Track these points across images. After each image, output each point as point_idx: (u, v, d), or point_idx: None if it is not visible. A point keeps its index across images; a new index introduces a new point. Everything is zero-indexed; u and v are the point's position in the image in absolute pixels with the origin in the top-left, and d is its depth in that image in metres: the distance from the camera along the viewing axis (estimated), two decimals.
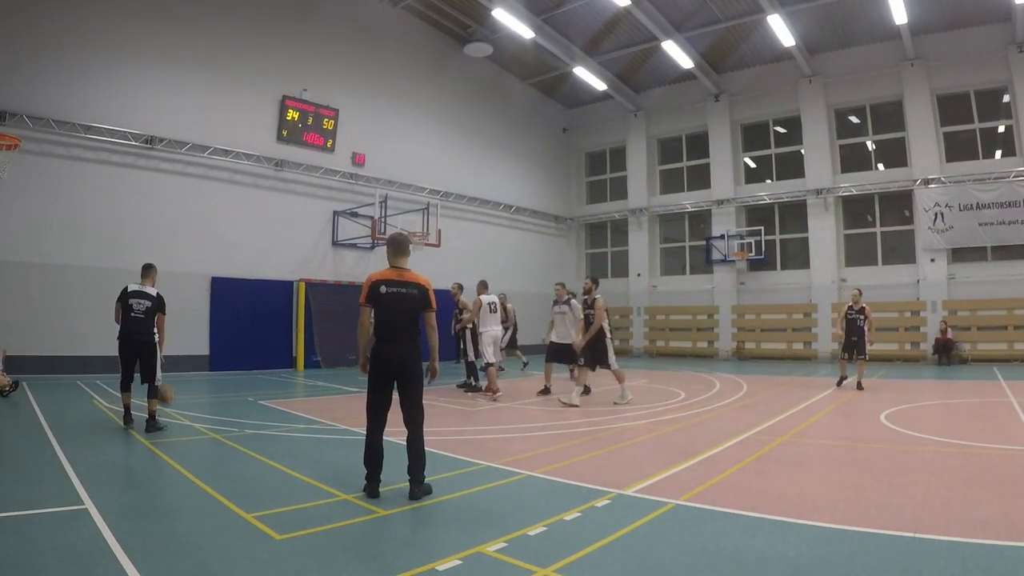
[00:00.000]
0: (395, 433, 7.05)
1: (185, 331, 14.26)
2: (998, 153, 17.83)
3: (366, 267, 17.81)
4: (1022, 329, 16.79)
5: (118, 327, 7.26)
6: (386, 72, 18.89)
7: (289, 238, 16.47)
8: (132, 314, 7.18)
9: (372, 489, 4.55)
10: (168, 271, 13.86)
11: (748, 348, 20.92)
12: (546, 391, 10.64)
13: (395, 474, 4.83)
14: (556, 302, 10.26)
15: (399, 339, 4.68)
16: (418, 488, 4.51)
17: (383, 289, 4.71)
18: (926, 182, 18.10)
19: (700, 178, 22.95)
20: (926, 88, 18.23)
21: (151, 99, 14.10)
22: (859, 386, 11.30)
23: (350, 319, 12.83)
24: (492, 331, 11.07)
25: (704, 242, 22.33)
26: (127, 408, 7.16)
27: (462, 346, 12.04)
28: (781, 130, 21.69)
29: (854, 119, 20.30)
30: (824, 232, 19.98)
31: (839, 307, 13.84)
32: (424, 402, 4.75)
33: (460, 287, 12.39)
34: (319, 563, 3.29)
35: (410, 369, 4.68)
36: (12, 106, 12.28)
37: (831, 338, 16.95)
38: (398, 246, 4.95)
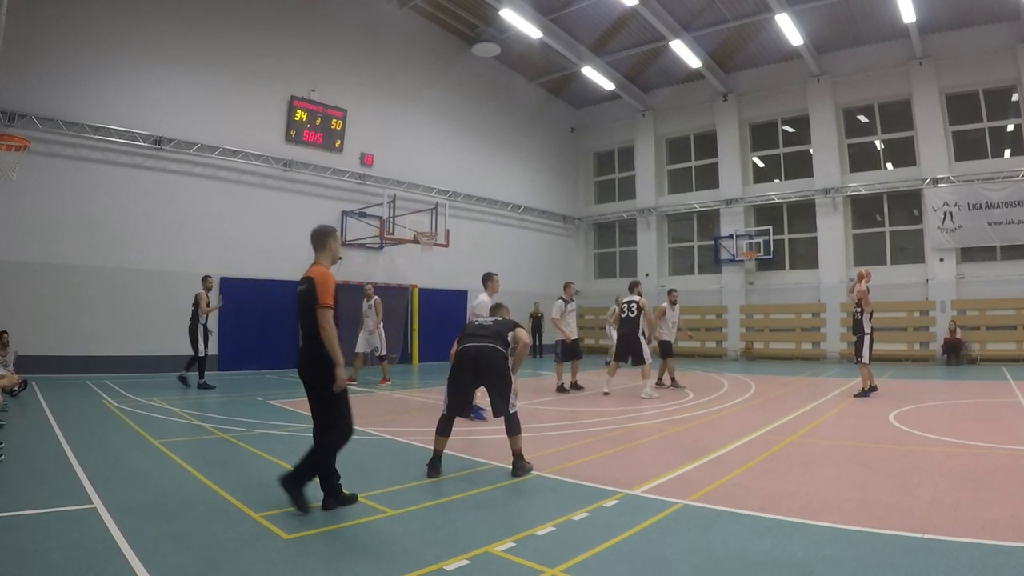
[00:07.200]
0: (402, 433, 7.04)
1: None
2: (1007, 152, 17.68)
3: (374, 267, 17.85)
4: None
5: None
6: (394, 72, 18.93)
7: (297, 238, 16.39)
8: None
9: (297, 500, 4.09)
10: (175, 271, 14.09)
11: (756, 348, 20.84)
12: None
13: (401, 475, 4.83)
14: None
15: (304, 339, 4.45)
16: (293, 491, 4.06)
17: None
18: (935, 181, 17.98)
19: (708, 178, 22.90)
20: (934, 87, 18.12)
21: (159, 100, 14.17)
22: None
23: (356, 319, 12.96)
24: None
25: (712, 242, 22.27)
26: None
27: None
28: (789, 129, 21.60)
29: (862, 118, 20.19)
30: (833, 232, 19.89)
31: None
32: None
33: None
34: (327, 562, 3.30)
35: (312, 375, 4.34)
36: (21, 107, 12.36)
37: None
38: (313, 238, 4.66)
